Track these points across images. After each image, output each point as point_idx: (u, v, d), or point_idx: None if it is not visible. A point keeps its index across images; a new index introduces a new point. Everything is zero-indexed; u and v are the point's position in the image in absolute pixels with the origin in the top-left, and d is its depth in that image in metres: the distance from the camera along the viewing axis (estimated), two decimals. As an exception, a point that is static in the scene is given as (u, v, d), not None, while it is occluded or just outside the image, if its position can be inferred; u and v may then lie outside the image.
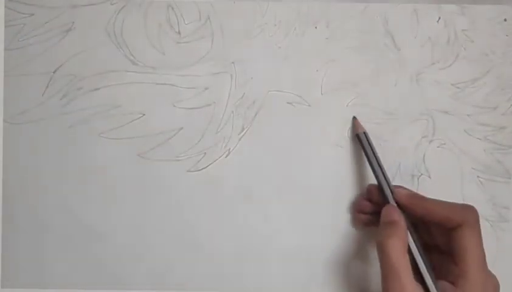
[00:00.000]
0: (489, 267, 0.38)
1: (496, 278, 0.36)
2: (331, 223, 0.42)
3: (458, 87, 0.42)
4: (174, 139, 0.42)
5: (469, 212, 0.35)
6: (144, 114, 0.42)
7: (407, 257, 0.34)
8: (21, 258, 0.42)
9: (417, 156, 0.42)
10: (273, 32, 0.42)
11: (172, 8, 0.42)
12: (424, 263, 0.36)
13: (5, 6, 0.42)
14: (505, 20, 0.43)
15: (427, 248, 0.37)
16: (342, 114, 0.42)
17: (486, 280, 0.35)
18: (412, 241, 0.36)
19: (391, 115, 0.42)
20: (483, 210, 0.42)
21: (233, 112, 0.42)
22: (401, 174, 0.42)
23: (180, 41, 0.42)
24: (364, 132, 0.40)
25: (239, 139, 0.42)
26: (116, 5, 0.42)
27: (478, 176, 0.42)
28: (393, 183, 0.41)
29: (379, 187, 0.39)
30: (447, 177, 0.42)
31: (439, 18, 0.43)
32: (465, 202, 0.37)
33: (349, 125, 0.42)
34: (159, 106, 0.42)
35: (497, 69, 0.42)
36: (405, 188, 0.39)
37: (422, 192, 0.41)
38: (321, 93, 0.42)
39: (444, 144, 0.42)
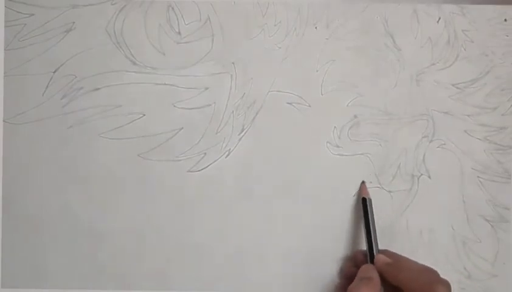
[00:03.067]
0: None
1: None
2: (330, 223, 0.42)
3: (458, 88, 0.42)
4: (174, 139, 0.42)
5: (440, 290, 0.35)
6: (144, 114, 0.42)
7: None
8: (21, 258, 0.42)
9: (417, 156, 0.42)
10: (273, 32, 0.42)
11: (173, 8, 0.42)
12: None
13: (5, 6, 0.42)
14: (505, 20, 0.43)
15: None
16: (342, 114, 0.42)
17: None
18: None
19: (391, 115, 0.42)
20: (483, 210, 0.42)
21: (233, 112, 0.42)
22: (401, 174, 0.42)
23: (180, 41, 0.42)
24: (370, 199, 0.41)
25: (239, 139, 0.42)
26: (116, 5, 0.42)
27: (478, 176, 0.42)
28: (393, 183, 0.41)
29: (368, 250, 0.39)
30: (447, 178, 0.42)
31: (439, 18, 0.42)
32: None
33: (349, 125, 0.42)
34: (159, 106, 0.42)
35: (497, 69, 0.42)
36: (389, 254, 0.39)
37: (422, 192, 0.42)
38: (322, 94, 0.42)
39: (444, 144, 0.42)
